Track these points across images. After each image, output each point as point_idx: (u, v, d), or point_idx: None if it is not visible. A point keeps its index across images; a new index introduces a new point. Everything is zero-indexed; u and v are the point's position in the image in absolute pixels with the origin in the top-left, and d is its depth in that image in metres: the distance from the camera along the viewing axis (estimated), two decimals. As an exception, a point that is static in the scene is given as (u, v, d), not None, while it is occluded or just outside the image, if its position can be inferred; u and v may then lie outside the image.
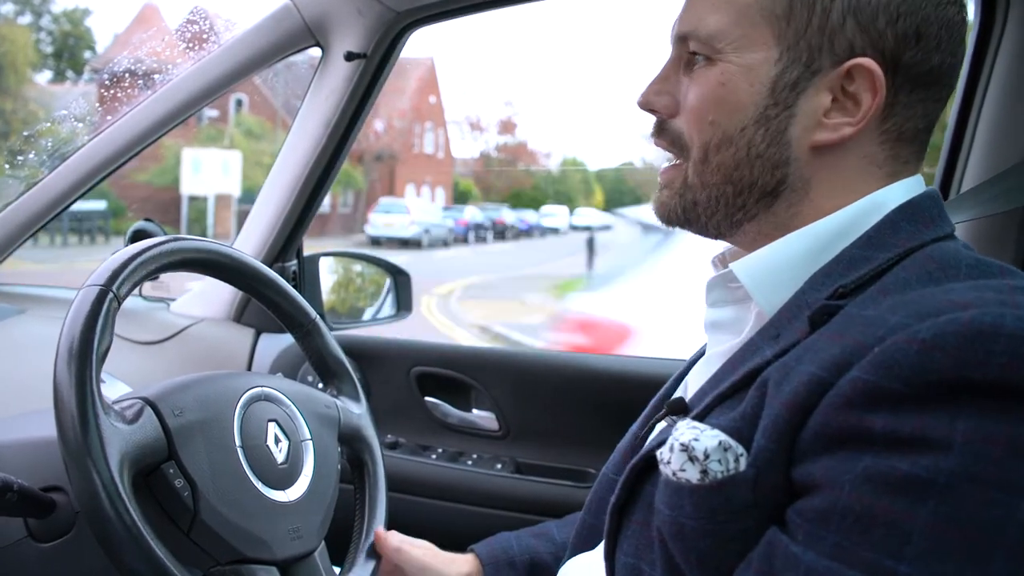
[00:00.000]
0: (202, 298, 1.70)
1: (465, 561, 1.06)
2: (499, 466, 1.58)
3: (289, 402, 1.04)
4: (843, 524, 0.57)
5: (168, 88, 1.55)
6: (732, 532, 0.65)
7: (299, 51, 1.57)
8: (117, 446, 0.81)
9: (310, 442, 1.03)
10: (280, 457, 0.99)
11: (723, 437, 0.66)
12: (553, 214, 37.70)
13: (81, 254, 15.94)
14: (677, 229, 0.83)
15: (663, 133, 0.80)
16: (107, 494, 0.77)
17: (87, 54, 32.92)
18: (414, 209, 26.55)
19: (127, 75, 1.73)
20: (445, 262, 21.38)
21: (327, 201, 29.71)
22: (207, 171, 19.95)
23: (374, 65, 1.56)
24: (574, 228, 37.98)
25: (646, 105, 0.80)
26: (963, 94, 1.24)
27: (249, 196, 20.75)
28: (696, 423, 0.69)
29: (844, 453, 0.59)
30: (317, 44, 1.56)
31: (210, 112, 26.71)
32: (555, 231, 36.03)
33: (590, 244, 16.85)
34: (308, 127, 1.59)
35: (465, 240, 28.57)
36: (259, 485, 0.95)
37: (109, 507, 0.77)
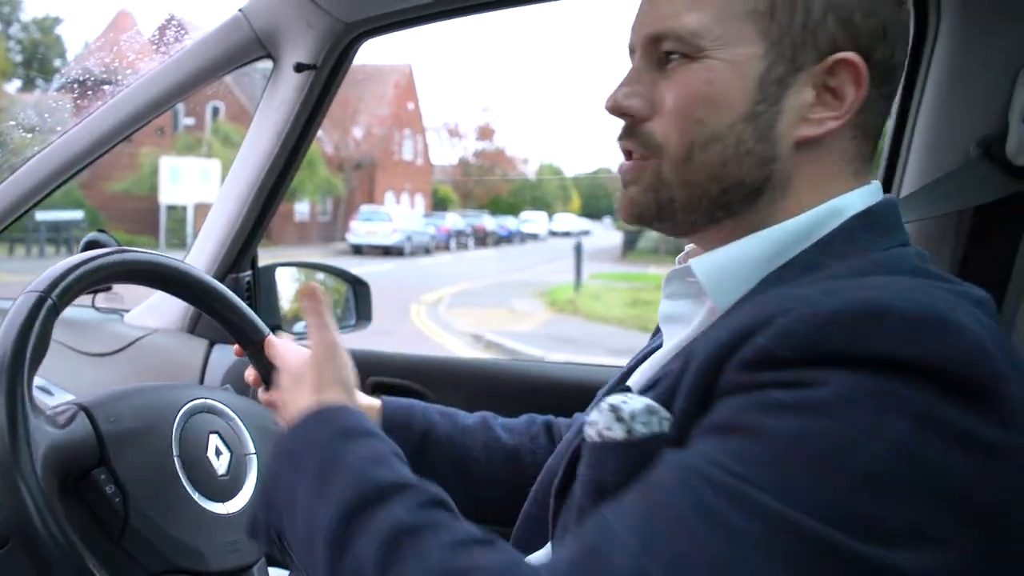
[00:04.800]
0: (156, 309, 1.69)
1: (371, 403, 1.08)
2: None
3: (233, 415, 1.04)
4: (708, 434, 0.61)
5: (118, 99, 1.55)
6: None
7: (250, 62, 1.57)
8: (44, 447, 0.81)
9: (254, 456, 1.03)
10: (221, 469, 0.99)
11: (650, 402, 0.69)
12: (532, 220, 37.95)
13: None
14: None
15: (634, 136, 0.77)
16: (38, 512, 0.76)
17: (57, 62, 32.70)
18: (396, 217, 26.52)
19: (96, 82, 1.72)
20: (429, 269, 21.40)
21: (306, 209, 29.14)
22: (186, 180, 19.80)
23: (324, 76, 1.56)
24: (553, 234, 38.29)
25: (616, 108, 0.78)
26: (900, 101, 1.26)
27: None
28: (627, 394, 0.72)
29: (735, 397, 0.62)
30: (268, 56, 1.55)
31: (186, 120, 26.57)
32: (535, 237, 36.29)
33: (578, 250, 16.86)
34: (260, 138, 1.59)
35: (447, 247, 28.60)
36: (196, 496, 0.94)
37: (40, 525, 0.76)
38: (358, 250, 25.06)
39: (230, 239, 1.63)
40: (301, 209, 29.19)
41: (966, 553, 0.55)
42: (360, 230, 25.78)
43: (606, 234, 42.33)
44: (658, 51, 0.75)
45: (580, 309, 13.93)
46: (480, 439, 1.09)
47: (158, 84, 1.54)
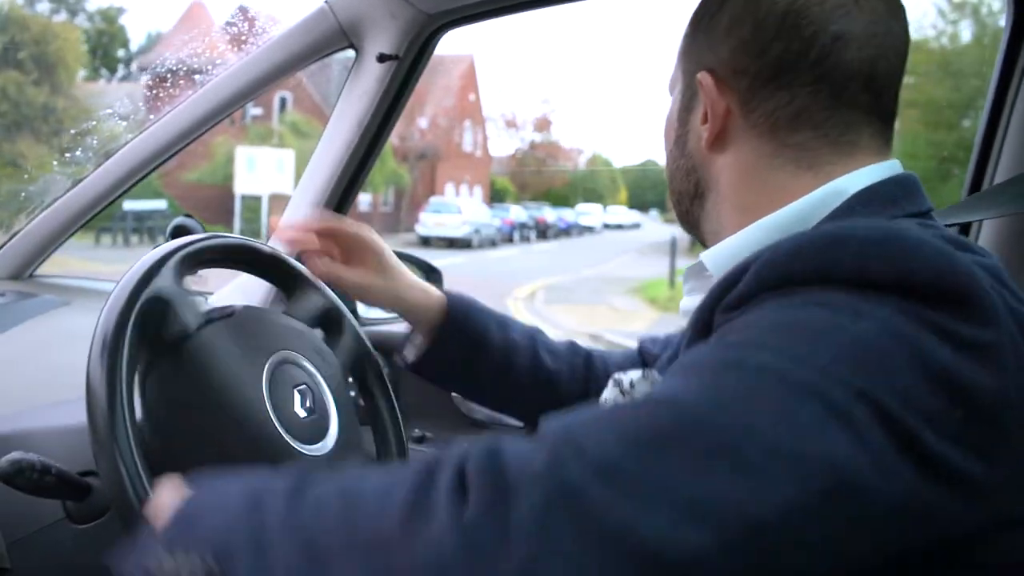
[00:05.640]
0: (239, 291, 1.73)
1: (436, 296, 1.14)
2: None
3: (330, 396, 1.05)
4: (677, 369, 0.61)
5: (207, 89, 1.59)
6: None
7: (333, 53, 1.60)
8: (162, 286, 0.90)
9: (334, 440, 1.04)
10: (299, 411, 0.99)
11: (644, 370, 0.84)
12: (589, 212, 37.91)
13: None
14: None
15: None
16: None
17: (120, 52, 33.22)
18: (466, 209, 26.47)
19: (170, 73, 1.77)
20: (501, 263, 21.21)
21: (368, 200, 28.98)
22: (261, 170, 19.68)
23: (406, 66, 1.59)
24: (607, 227, 38.02)
25: None
26: (995, 93, 1.25)
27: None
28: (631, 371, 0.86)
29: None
30: (351, 46, 1.58)
31: (254, 111, 26.99)
32: (591, 229, 36.14)
33: (673, 246, 16.47)
34: (342, 127, 1.62)
35: (510, 239, 28.51)
36: (267, 398, 0.95)
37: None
38: (426, 241, 24.96)
39: (311, 225, 1.66)
40: (364, 200, 29.38)
41: (979, 451, 0.55)
42: (429, 221, 25.71)
43: (656, 227, 42.11)
44: None
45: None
46: (527, 359, 1.14)
47: (247, 73, 1.59)
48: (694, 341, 0.70)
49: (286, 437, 0.95)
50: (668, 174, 0.90)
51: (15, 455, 0.87)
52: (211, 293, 1.77)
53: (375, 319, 1.81)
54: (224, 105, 1.60)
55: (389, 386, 1.21)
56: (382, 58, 1.57)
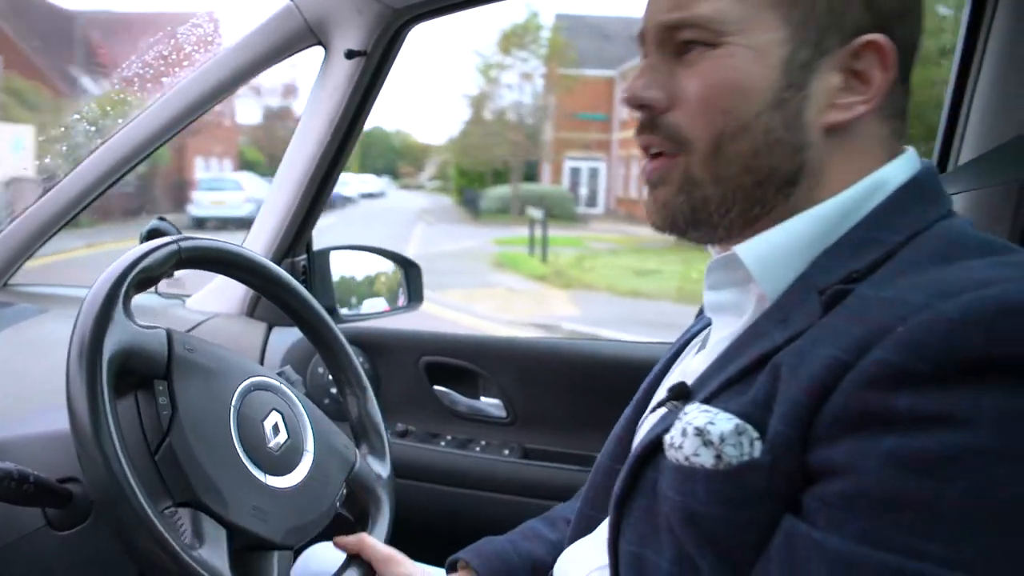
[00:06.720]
0: (216, 294, 1.70)
1: None
2: (507, 452, 1.65)
3: (303, 413, 1.07)
4: (869, 507, 0.56)
5: (175, 92, 1.54)
6: (745, 519, 0.63)
7: (301, 50, 1.58)
8: (121, 338, 0.87)
9: (310, 454, 1.05)
10: (272, 443, 1.00)
11: (738, 421, 0.64)
12: (346, 182, 37.11)
13: None
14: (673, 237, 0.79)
15: (656, 129, 0.74)
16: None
17: None
18: (247, 185, 23.31)
19: None
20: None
21: None
22: None
23: (375, 62, 1.59)
24: (362, 196, 37.66)
25: (635, 100, 0.75)
26: (958, 71, 1.36)
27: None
28: (707, 407, 0.67)
29: (866, 434, 0.57)
30: (319, 43, 1.58)
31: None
32: (351, 200, 35.46)
33: (544, 220, 15.63)
34: (313, 124, 1.62)
35: (285, 215, 26.81)
36: (240, 450, 0.96)
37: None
38: (200, 223, 21.26)
39: (286, 224, 1.66)
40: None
41: None
42: (205, 200, 22.21)
43: (398, 194, 42.72)
44: (674, 40, 0.73)
45: (593, 283, 12.34)
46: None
47: (215, 75, 1.54)
48: (803, 413, 0.61)
49: (257, 475, 0.97)
50: (747, 148, 0.71)
51: None
52: (188, 295, 1.71)
53: (354, 315, 1.81)
54: (193, 107, 1.55)
55: (367, 381, 1.22)
56: (350, 54, 1.56)
